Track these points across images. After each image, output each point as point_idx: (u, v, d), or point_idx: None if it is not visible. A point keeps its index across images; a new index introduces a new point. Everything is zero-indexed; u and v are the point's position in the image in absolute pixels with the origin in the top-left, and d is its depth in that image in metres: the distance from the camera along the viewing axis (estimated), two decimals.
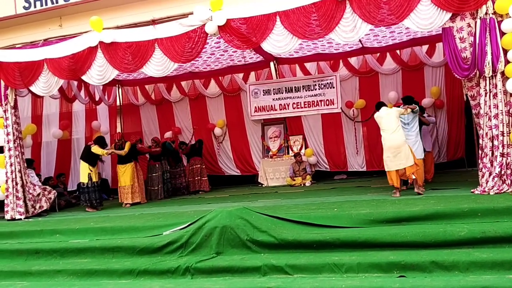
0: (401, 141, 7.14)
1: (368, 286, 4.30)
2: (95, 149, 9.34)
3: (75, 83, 11.10)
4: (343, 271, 4.75)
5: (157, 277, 5.38)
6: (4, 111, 9.07)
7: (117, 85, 12.65)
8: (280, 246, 5.43)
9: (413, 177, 7.14)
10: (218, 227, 5.73)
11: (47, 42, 9.07)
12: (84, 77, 8.69)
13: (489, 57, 6.49)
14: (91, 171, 9.36)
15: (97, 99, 12.21)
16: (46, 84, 8.90)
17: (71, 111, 12.21)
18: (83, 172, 9.43)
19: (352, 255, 4.95)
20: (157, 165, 10.76)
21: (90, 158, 9.44)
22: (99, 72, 8.53)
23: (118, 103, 12.96)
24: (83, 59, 8.51)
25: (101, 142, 9.65)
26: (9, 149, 8.98)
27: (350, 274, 4.71)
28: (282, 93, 11.74)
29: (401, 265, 4.63)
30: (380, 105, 7.71)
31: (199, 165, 11.42)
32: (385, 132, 7.26)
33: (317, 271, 4.84)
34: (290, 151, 11.78)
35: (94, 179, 9.37)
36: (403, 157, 7.09)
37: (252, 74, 12.21)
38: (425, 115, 8.88)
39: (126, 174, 9.87)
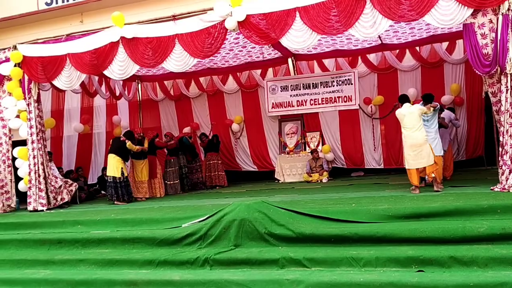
0: (423, 140, 7.11)
1: (386, 280, 4.32)
2: (130, 145, 9.47)
3: (96, 78, 11.29)
4: (361, 265, 4.79)
5: (177, 267, 5.48)
6: (28, 105, 9.27)
7: (136, 81, 12.81)
8: (298, 240, 5.47)
9: (433, 175, 7.11)
10: (237, 220, 5.80)
11: (69, 37, 9.24)
12: (105, 72, 8.84)
13: (510, 54, 6.42)
14: (123, 165, 9.46)
15: (117, 94, 12.40)
16: (69, 79, 9.07)
17: (92, 105, 12.41)
18: (115, 166, 9.44)
19: (370, 250, 4.98)
20: (172, 160, 10.87)
21: (124, 153, 9.56)
22: (120, 67, 8.66)
23: (138, 98, 13.12)
24: (105, 54, 8.65)
25: (131, 136, 9.75)
26: (32, 142, 9.18)
27: (368, 268, 4.74)
28: (300, 89, 11.75)
29: (420, 260, 4.64)
30: (403, 98, 7.66)
31: (215, 160, 11.51)
32: (407, 130, 7.22)
33: (334, 265, 4.89)
34: (307, 148, 11.80)
35: (125, 174, 9.48)
36: (424, 156, 7.07)
37: (270, 70, 12.25)
38: (451, 117, 8.81)
39: (144, 169, 10.03)
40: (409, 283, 4.20)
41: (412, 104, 7.71)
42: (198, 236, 5.95)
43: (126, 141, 9.55)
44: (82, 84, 10.49)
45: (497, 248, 4.63)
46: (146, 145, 9.96)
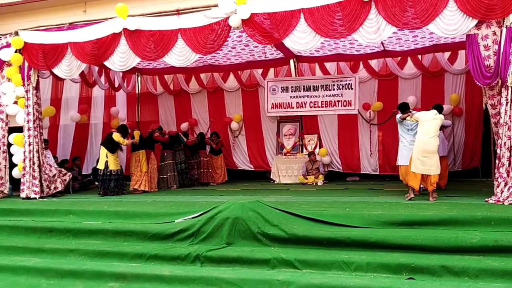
0: (435, 148, 7.12)
1: (376, 285, 4.31)
2: (116, 136, 9.39)
3: (96, 68, 11.25)
4: (352, 269, 4.78)
5: (167, 262, 5.45)
6: (26, 91, 9.22)
7: (136, 73, 12.77)
8: (291, 241, 5.47)
9: (432, 187, 7.10)
10: (230, 218, 5.78)
11: (72, 26, 9.19)
12: (106, 63, 8.81)
13: None
14: (108, 158, 9.38)
15: (116, 85, 12.37)
16: (69, 68, 9.04)
17: (91, 96, 12.39)
18: (102, 159, 9.47)
19: (362, 255, 4.97)
20: (165, 154, 10.80)
21: (110, 145, 9.49)
22: (122, 59, 8.63)
23: (136, 91, 13.08)
24: (106, 45, 8.61)
25: (123, 130, 9.69)
26: (29, 129, 9.13)
27: (359, 273, 4.73)
28: (300, 91, 11.75)
29: (411, 267, 4.64)
30: (404, 106, 7.73)
31: (203, 158, 11.47)
32: (423, 135, 7.17)
33: (326, 268, 4.87)
34: (304, 150, 11.80)
35: (111, 167, 9.37)
36: (433, 164, 7.09)
37: (271, 70, 12.25)
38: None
39: (140, 162, 9.98)
40: None
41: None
42: (190, 232, 5.93)
43: (113, 131, 9.50)
44: (82, 74, 10.46)
45: (489, 260, 4.63)
46: (136, 138, 9.91)
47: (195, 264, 5.34)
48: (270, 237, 5.56)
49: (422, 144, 7.16)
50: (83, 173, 11.87)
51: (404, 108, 7.68)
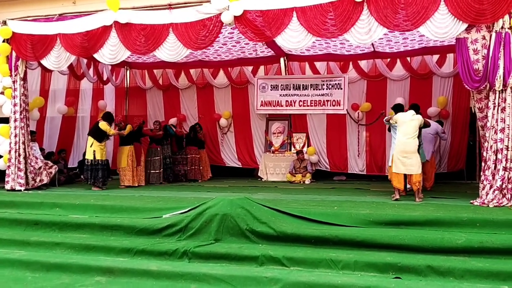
0: (414, 149, 7.20)
1: (363, 284, 4.35)
2: (103, 125, 9.28)
3: (85, 61, 11.12)
4: (339, 268, 4.82)
5: (155, 258, 5.43)
6: (13, 82, 9.09)
7: (125, 67, 12.67)
8: (279, 239, 5.48)
9: (417, 186, 7.19)
10: (219, 214, 5.78)
11: (61, 17, 9.07)
12: (96, 55, 8.72)
13: (501, 71, 6.53)
14: (96, 148, 9.26)
15: (105, 79, 12.24)
16: (58, 59, 8.93)
17: (79, 88, 12.23)
18: (89, 149, 9.35)
19: (350, 253, 5.02)
20: (158, 149, 10.76)
21: (97, 134, 9.35)
22: (111, 52, 8.56)
23: (125, 85, 12.98)
24: (96, 37, 8.53)
25: (108, 118, 9.56)
26: (15, 120, 9.01)
27: (346, 271, 4.77)
28: (290, 89, 11.77)
29: (397, 267, 4.70)
30: (398, 107, 7.78)
31: (193, 155, 11.41)
32: (403, 136, 7.26)
33: (313, 266, 4.91)
34: (293, 148, 11.84)
35: (98, 157, 9.25)
36: (414, 164, 7.16)
37: (262, 68, 12.25)
38: (439, 130, 8.93)
39: (127, 156, 9.89)
40: None
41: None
42: (178, 228, 5.91)
43: (100, 120, 9.42)
44: (70, 66, 10.33)
45: (474, 261, 4.71)
46: (127, 131, 9.82)
47: (183, 260, 5.33)
48: (259, 234, 5.57)
49: (401, 145, 7.26)
50: (69, 166, 11.74)
51: (398, 109, 7.74)
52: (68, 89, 12.08)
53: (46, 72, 10.87)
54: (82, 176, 11.14)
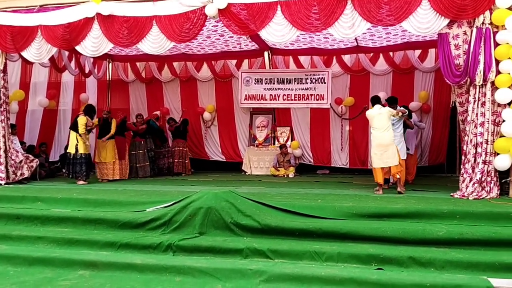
0: (390, 140, 7.31)
1: (346, 275, 4.40)
2: (81, 119, 9.13)
3: (66, 53, 10.95)
4: (323, 259, 4.87)
5: (139, 251, 5.41)
6: None
7: (108, 59, 12.53)
8: (263, 231, 5.51)
9: (398, 176, 7.31)
10: (203, 208, 5.78)
11: (42, 8, 8.90)
12: (78, 48, 8.61)
13: (481, 66, 6.65)
14: (78, 142, 9.12)
15: (86, 71, 12.08)
16: (39, 51, 8.78)
17: (60, 81, 12.07)
18: (71, 142, 9.21)
19: (333, 245, 5.07)
20: (142, 142, 10.69)
21: (78, 128, 9.20)
22: (94, 44, 8.46)
23: (107, 77, 12.83)
24: (78, 29, 8.41)
25: (89, 111, 9.41)
26: None
27: (330, 263, 4.83)
28: (274, 83, 11.79)
29: (380, 258, 4.76)
30: (376, 99, 7.81)
31: (181, 148, 11.41)
32: (376, 130, 7.39)
33: (297, 258, 4.95)
34: (276, 142, 11.88)
35: (80, 151, 9.11)
36: (390, 156, 7.27)
37: (246, 61, 12.24)
38: (415, 119, 9.05)
39: (108, 150, 9.78)
40: (369, 280, 4.28)
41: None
42: (162, 222, 5.89)
43: (80, 114, 9.28)
44: (51, 58, 10.13)
45: (454, 252, 4.80)
46: (113, 130, 9.74)
47: (167, 253, 5.32)
48: (243, 227, 5.59)
49: (377, 139, 7.38)
50: (50, 160, 11.59)
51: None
52: (50, 81, 11.92)
53: (27, 64, 10.70)
54: (63, 170, 11.04)
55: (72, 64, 11.54)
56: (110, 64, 12.79)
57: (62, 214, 6.37)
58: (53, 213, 6.43)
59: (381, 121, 7.36)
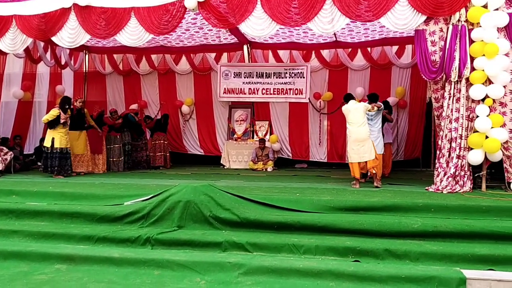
0: (366, 135, 7.40)
1: (324, 267, 4.46)
2: (52, 111, 8.92)
3: (42, 44, 10.72)
4: (301, 252, 4.92)
5: (116, 245, 5.36)
6: None
7: (84, 51, 12.32)
8: (242, 225, 5.53)
9: (374, 171, 7.42)
10: (182, 201, 5.75)
11: None
12: (54, 39, 8.46)
13: (456, 63, 6.79)
14: (55, 135, 8.89)
15: (63, 63, 11.85)
16: (13, 42, 8.61)
17: (35, 72, 11.85)
18: (48, 136, 9.01)
19: (311, 238, 5.13)
20: (118, 137, 10.57)
21: (51, 121, 8.95)
22: (70, 35, 8.33)
23: (84, 69, 12.62)
24: (54, 20, 8.28)
25: (63, 103, 9.06)
26: None
27: (308, 256, 4.88)
28: (253, 77, 11.80)
29: (357, 251, 4.84)
30: (348, 97, 7.89)
31: (162, 141, 11.35)
32: (352, 125, 7.48)
33: (276, 251, 4.99)
34: (255, 136, 11.90)
35: (56, 145, 8.87)
36: (366, 151, 7.37)
37: (225, 55, 12.20)
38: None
39: (80, 142, 9.57)
40: (346, 271, 4.35)
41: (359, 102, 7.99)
42: (140, 215, 5.84)
43: (56, 107, 9.06)
44: (26, 49, 9.94)
45: (428, 244, 4.91)
46: (91, 121, 9.61)
47: (146, 247, 5.29)
48: (222, 221, 5.60)
49: (354, 134, 7.47)
50: (24, 152, 11.37)
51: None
52: (25, 73, 11.69)
53: (0, 54, 10.43)
54: (39, 163, 10.85)
55: (48, 55, 11.31)
56: (87, 56, 12.59)
57: (38, 208, 6.26)
58: (29, 206, 6.31)
59: (357, 116, 7.44)
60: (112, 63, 12.62)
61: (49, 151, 8.92)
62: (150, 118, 11.65)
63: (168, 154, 11.49)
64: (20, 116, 11.66)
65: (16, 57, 10.88)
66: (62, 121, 8.93)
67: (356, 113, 7.47)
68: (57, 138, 8.91)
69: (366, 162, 7.47)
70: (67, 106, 9.04)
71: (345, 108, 7.66)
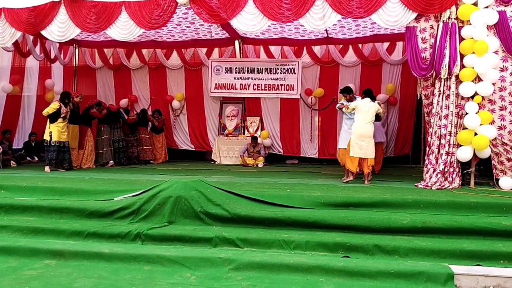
0: (370, 133, 7.46)
1: (314, 263, 4.49)
2: (52, 104, 8.94)
3: (31, 37, 10.61)
4: (291, 248, 4.94)
5: (106, 240, 5.34)
6: None
7: (74, 45, 12.19)
8: (233, 220, 5.54)
9: (368, 170, 7.45)
10: (173, 196, 5.75)
11: None
12: (43, 32, 8.38)
13: (446, 60, 6.83)
14: (53, 129, 8.89)
15: (52, 57, 11.74)
16: (2, 35, 8.52)
17: (24, 66, 11.71)
18: (46, 129, 9.01)
19: (301, 234, 5.15)
20: (102, 128, 10.41)
21: (51, 115, 8.98)
22: (60, 29, 8.25)
23: (74, 63, 12.51)
24: (44, 13, 8.20)
25: (62, 97, 9.17)
26: None
27: (298, 251, 4.90)
28: (244, 73, 11.79)
29: (346, 246, 4.87)
30: (368, 93, 7.97)
31: (144, 135, 11.30)
32: (359, 121, 7.49)
33: (266, 246, 5.00)
34: (246, 132, 11.90)
35: (54, 138, 8.89)
36: (369, 148, 7.43)
37: (216, 50, 12.17)
38: None
39: (72, 137, 9.53)
40: (336, 267, 4.38)
41: None
42: (131, 211, 5.82)
43: (56, 100, 9.06)
44: (15, 43, 9.82)
45: (417, 240, 4.96)
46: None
47: (136, 242, 5.27)
48: (213, 216, 5.60)
49: (359, 129, 7.48)
50: (14, 147, 11.25)
51: (347, 91, 7.92)
52: (13, 66, 11.54)
53: None
54: (28, 158, 10.80)
55: (37, 49, 11.19)
56: (77, 50, 12.46)
57: (27, 203, 6.21)
58: (18, 201, 6.27)
59: (368, 115, 7.48)
60: (103, 58, 12.53)
61: (47, 144, 8.96)
62: (158, 111, 11.64)
63: (151, 148, 11.40)
64: (8, 110, 11.51)
65: (5, 50, 10.74)
66: (62, 115, 8.98)
67: (369, 112, 7.50)
68: (54, 132, 8.93)
69: (364, 161, 7.48)
70: (67, 101, 9.12)
71: (359, 105, 7.61)
